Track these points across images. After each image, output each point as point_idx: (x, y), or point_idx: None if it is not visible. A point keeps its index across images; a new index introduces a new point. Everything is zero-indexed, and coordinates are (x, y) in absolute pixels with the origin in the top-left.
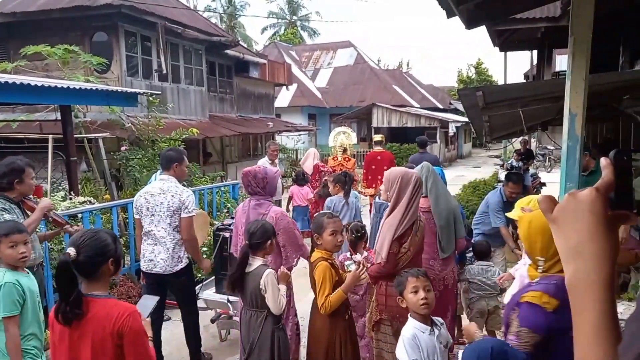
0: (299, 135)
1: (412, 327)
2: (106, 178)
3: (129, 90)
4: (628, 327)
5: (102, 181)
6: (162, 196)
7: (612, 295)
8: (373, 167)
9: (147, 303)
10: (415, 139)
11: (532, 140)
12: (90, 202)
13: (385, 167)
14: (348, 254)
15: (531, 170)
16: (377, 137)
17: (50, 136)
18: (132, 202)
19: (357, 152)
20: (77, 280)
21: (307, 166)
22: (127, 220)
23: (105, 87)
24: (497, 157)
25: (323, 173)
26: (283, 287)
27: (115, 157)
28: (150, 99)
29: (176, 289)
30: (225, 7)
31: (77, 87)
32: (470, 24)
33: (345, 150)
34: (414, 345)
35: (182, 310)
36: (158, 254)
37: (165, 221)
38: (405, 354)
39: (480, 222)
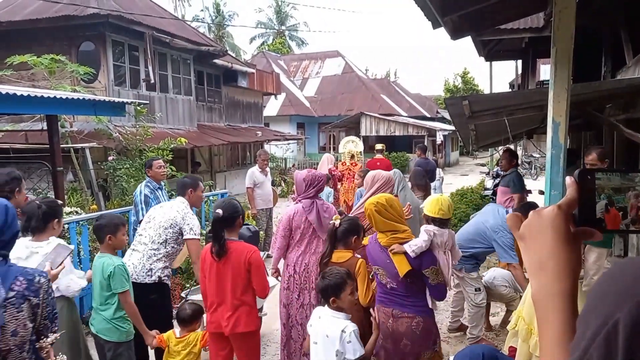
0: (288, 144)
1: (350, 322)
2: (93, 188)
3: (117, 99)
4: (577, 326)
5: (89, 191)
6: (168, 208)
7: (573, 306)
8: None
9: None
10: (403, 146)
11: (518, 148)
12: (77, 212)
13: None
14: None
15: None
16: (378, 146)
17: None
18: (119, 213)
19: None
20: (224, 230)
21: (323, 171)
22: None
23: (92, 96)
24: (483, 165)
25: (335, 176)
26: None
27: (102, 167)
28: (138, 108)
29: (144, 306)
30: (214, 17)
31: (64, 97)
32: (455, 34)
33: (352, 157)
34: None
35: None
36: (131, 258)
37: (156, 230)
38: (359, 345)
39: (473, 241)
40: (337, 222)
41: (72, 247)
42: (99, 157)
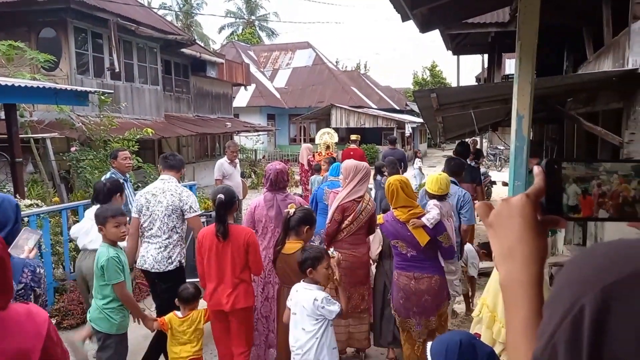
0: (258, 135)
1: (320, 291)
2: (55, 180)
3: (79, 88)
4: (544, 312)
5: (50, 183)
6: (162, 195)
7: (540, 292)
8: None
9: None
10: (372, 138)
11: (484, 140)
12: (37, 205)
13: None
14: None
15: (482, 169)
16: (353, 137)
17: None
18: (83, 205)
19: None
20: (227, 214)
21: (304, 160)
22: None
23: (54, 85)
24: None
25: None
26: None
27: (64, 158)
28: (102, 97)
29: (159, 293)
30: (182, 5)
31: (23, 85)
32: (424, 27)
33: (328, 147)
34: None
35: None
36: (149, 250)
37: (162, 220)
38: (335, 305)
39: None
40: (292, 211)
41: (40, 231)
42: (61, 148)
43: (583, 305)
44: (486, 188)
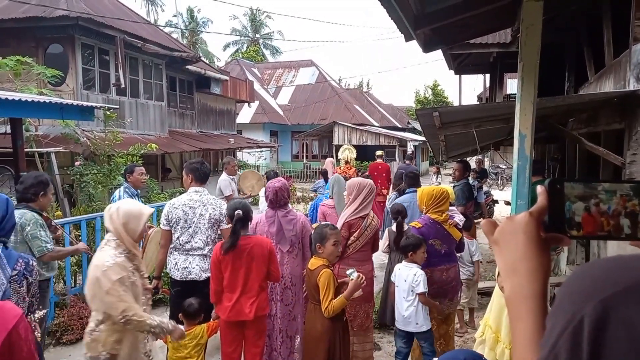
0: (261, 152)
1: (420, 269)
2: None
3: (85, 103)
4: (547, 323)
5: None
6: (202, 208)
7: (544, 306)
8: (375, 173)
9: None
10: (374, 156)
11: (486, 159)
12: None
13: (383, 175)
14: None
15: (484, 188)
16: (378, 152)
17: None
18: (85, 219)
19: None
20: (241, 229)
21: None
22: (80, 238)
23: (59, 100)
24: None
25: None
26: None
27: (68, 172)
28: (107, 113)
29: (200, 297)
30: (187, 23)
31: (29, 100)
32: (427, 47)
33: (347, 162)
34: None
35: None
36: (192, 261)
37: (205, 233)
38: (425, 284)
39: None
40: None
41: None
42: (65, 162)
43: (583, 316)
44: (488, 207)
